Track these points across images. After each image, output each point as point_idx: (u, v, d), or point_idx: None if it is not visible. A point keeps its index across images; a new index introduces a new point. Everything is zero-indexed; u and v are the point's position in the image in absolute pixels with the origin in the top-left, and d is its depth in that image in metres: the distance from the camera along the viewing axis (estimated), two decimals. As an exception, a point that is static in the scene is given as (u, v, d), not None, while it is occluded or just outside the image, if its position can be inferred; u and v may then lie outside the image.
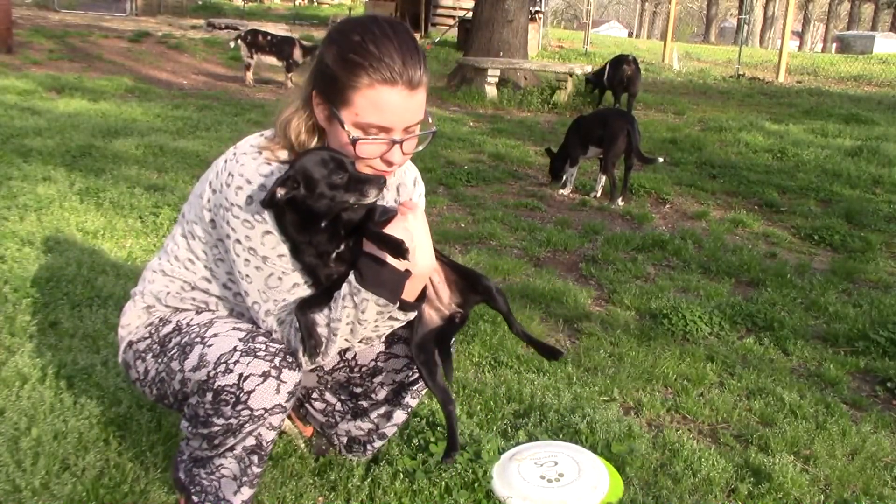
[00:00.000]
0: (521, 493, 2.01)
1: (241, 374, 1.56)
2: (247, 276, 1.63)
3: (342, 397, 2.06)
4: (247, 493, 1.75)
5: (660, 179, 6.13)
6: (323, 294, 1.60)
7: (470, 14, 13.04)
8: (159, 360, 1.74)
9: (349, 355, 1.97)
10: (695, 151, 7.33)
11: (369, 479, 2.03)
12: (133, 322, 1.84)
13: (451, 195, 5.44)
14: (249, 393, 1.56)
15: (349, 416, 2.06)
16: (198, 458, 1.74)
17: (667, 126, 8.71)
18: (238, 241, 1.60)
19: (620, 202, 5.51)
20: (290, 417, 2.20)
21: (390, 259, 1.53)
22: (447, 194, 5.46)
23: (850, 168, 6.73)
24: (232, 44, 10.85)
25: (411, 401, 2.03)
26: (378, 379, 1.99)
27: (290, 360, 1.62)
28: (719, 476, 2.20)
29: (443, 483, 2.00)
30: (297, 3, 26.85)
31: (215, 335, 1.65)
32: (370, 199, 1.53)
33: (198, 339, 1.66)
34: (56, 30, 13.41)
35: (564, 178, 5.87)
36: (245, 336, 1.63)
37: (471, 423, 2.32)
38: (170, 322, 1.78)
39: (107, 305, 2.96)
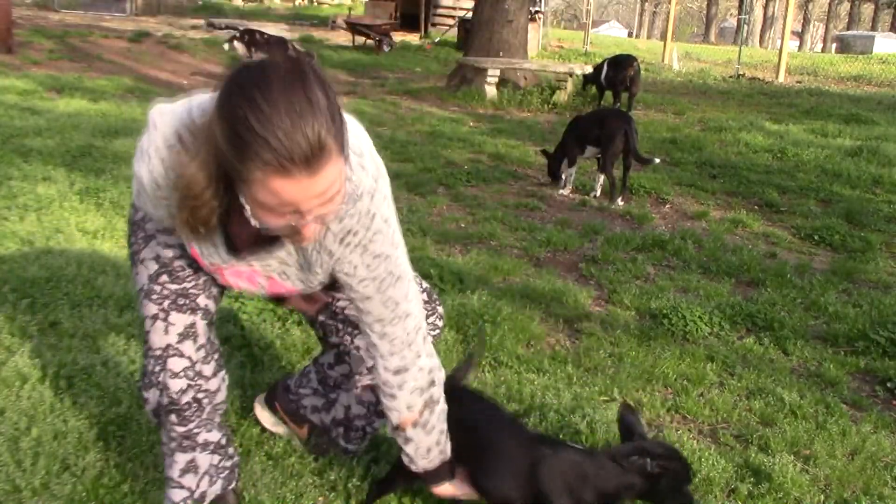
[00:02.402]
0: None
1: (142, 316, 1.68)
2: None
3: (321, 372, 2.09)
4: (181, 458, 1.74)
5: (660, 179, 6.13)
6: None
7: (470, 14, 13.04)
8: (129, 244, 1.77)
9: (340, 304, 1.97)
10: (695, 151, 7.33)
11: (369, 479, 2.02)
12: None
13: (451, 195, 5.44)
14: (148, 333, 1.66)
15: (343, 388, 2.08)
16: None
17: (667, 126, 8.71)
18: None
19: (620, 202, 5.51)
20: (284, 421, 2.20)
21: None
22: (447, 194, 5.46)
23: (850, 168, 6.73)
24: (226, 46, 10.76)
25: None
26: (356, 330, 2.00)
27: (182, 302, 1.67)
28: (719, 476, 2.20)
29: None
30: (296, 3, 26.85)
31: (143, 261, 1.69)
32: None
33: (137, 259, 1.71)
34: (56, 30, 13.41)
35: (563, 177, 5.87)
36: (155, 272, 1.67)
37: (471, 423, 2.31)
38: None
39: (107, 305, 2.96)
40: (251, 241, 1.53)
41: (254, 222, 1.33)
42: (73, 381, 2.37)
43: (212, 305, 1.73)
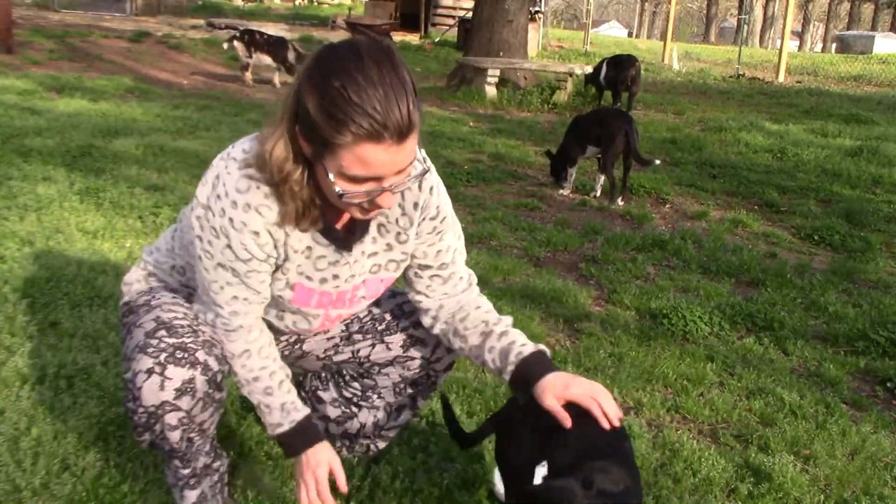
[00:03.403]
0: (522, 493, 2.00)
1: (134, 371, 1.56)
2: (204, 269, 1.62)
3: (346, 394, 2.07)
4: (191, 494, 1.78)
5: (660, 179, 6.13)
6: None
7: (470, 14, 13.05)
8: (123, 330, 1.78)
9: (362, 353, 1.95)
10: (695, 151, 7.33)
11: (369, 479, 2.02)
12: (133, 283, 1.86)
13: (451, 195, 5.33)
14: (140, 389, 1.55)
15: (364, 406, 2.06)
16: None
17: (667, 126, 8.71)
18: (199, 237, 1.58)
19: (620, 202, 5.51)
20: None
21: None
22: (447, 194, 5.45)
23: (850, 168, 6.73)
24: (226, 45, 10.75)
25: (421, 401, 2.03)
26: (388, 380, 1.99)
27: (180, 355, 1.57)
28: (719, 476, 2.20)
29: (443, 483, 2.00)
30: (297, 2, 26.85)
31: (141, 325, 1.66)
32: None
33: (134, 326, 1.69)
34: (56, 30, 13.41)
35: (565, 177, 5.87)
36: (152, 329, 1.62)
37: (471, 424, 2.32)
38: (150, 292, 1.82)
39: (107, 305, 2.95)
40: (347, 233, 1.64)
41: (336, 189, 1.41)
42: (73, 381, 2.37)
43: (213, 363, 1.63)
